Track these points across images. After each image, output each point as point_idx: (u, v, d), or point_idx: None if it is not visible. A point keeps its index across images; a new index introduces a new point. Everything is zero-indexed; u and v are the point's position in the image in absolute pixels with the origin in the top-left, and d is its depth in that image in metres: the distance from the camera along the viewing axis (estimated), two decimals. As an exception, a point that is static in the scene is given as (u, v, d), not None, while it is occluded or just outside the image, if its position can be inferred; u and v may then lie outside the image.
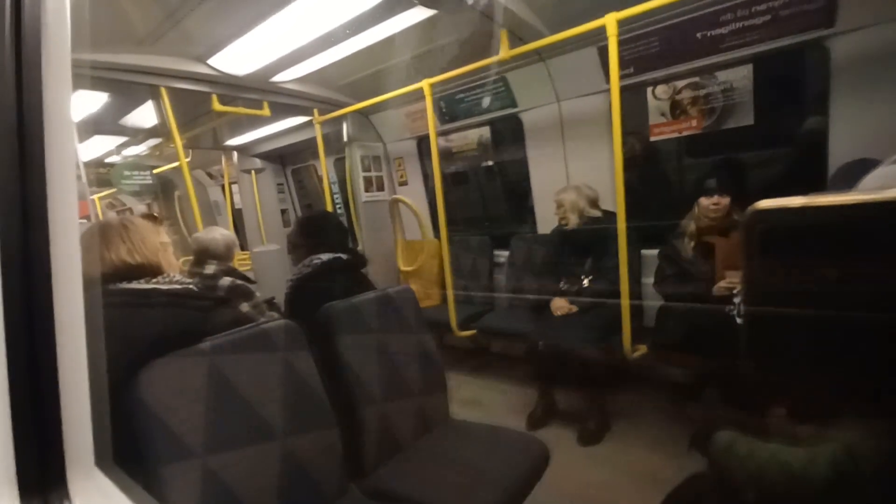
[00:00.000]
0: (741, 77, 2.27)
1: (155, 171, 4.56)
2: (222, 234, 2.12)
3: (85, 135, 3.46)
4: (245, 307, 1.92)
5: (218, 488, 1.00)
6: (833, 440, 0.66)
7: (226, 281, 1.95)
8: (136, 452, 0.94)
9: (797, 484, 0.70)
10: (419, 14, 2.12)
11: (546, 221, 3.03)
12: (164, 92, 2.53)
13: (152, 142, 3.98)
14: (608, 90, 2.11)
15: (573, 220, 2.53)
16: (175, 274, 1.21)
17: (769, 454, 0.76)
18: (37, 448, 0.54)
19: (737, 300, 1.87)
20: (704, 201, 2.12)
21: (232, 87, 2.81)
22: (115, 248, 1.12)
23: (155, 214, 4.13)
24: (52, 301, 0.55)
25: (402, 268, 3.65)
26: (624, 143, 2.05)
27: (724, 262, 2.05)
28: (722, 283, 1.99)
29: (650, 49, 2.36)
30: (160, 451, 0.95)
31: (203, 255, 2.02)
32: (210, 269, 1.99)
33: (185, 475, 0.97)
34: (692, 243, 2.17)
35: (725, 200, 2.09)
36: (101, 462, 0.60)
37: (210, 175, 5.47)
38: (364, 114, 3.66)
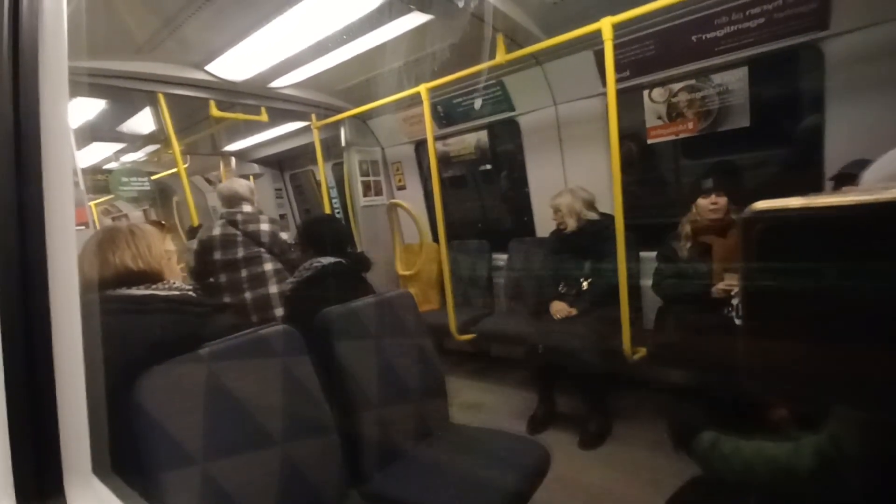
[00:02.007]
0: (737, 79, 2.29)
1: (153, 178, 4.55)
2: (241, 182, 2.47)
3: (83, 141, 3.46)
4: (285, 235, 2.43)
5: (217, 495, 1.00)
6: (817, 432, 0.67)
7: (266, 216, 2.43)
8: (133, 460, 0.93)
9: (783, 476, 0.71)
10: (416, 19, 2.13)
11: (544, 224, 3.04)
12: (162, 98, 2.53)
13: (150, 148, 3.99)
14: (605, 93, 2.12)
15: (571, 224, 2.54)
16: (175, 281, 1.21)
17: (754, 450, 0.77)
18: (34, 455, 0.54)
19: (735, 301, 1.87)
20: (702, 201, 2.13)
21: (230, 93, 2.81)
22: (120, 253, 1.13)
23: (162, 222, 4.17)
24: (49, 307, 0.55)
25: (401, 272, 3.65)
26: (621, 146, 2.06)
27: (722, 263, 2.05)
28: (720, 285, 1.99)
29: (646, 52, 2.37)
30: (158, 459, 0.95)
31: (235, 198, 2.38)
32: (248, 207, 2.38)
33: (183, 482, 0.96)
34: (689, 244, 2.17)
35: (723, 200, 2.09)
36: (98, 469, 0.59)
37: (208, 181, 5.47)
38: (362, 118, 3.67)
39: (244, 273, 2.31)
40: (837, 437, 0.64)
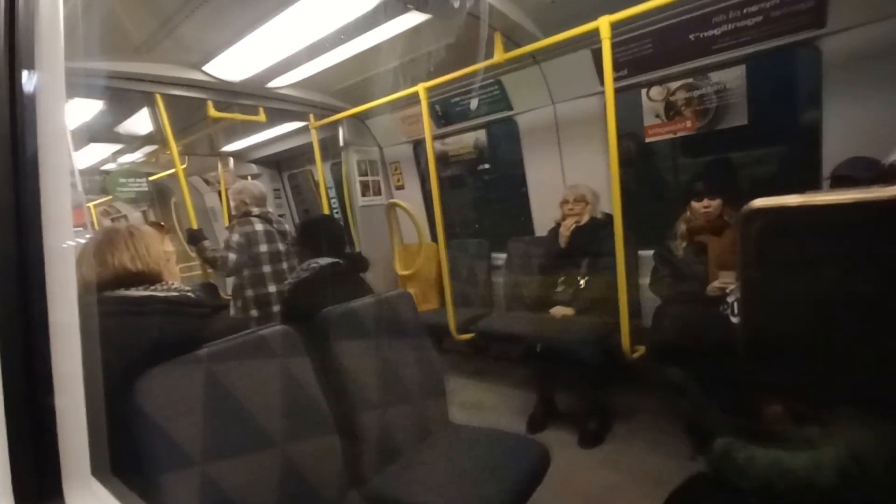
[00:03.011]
0: (734, 77, 2.29)
1: (151, 178, 4.54)
2: (260, 184, 2.78)
3: (80, 142, 3.45)
4: None
5: (216, 497, 1.00)
6: (835, 443, 0.65)
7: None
8: (133, 461, 0.93)
9: (804, 493, 0.68)
10: (414, 19, 2.13)
11: (543, 223, 3.04)
12: (159, 99, 2.53)
13: (148, 149, 3.98)
14: (603, 92, 2.12)
15: (585, 217, 2.53)
16: (174, 282, 1.21)
17: (770, 461, 0.74)
18: (32, 457, 0.54)
19: (730, 299, 1.88)
20: (695, 204, 2.13)
21: (227, 94, 2.81)
22: (118, 254, 1.13)
23: (161, 223, 4.17)
24: (47, 309, 0.55)
25: (400, 272, 3.64)
26: (619, 145, 2.06)
27: (717, 262, 2.06)
28: (715, 284, 2.00)
29: (644, 51, 2.37)
30: (158, 460, 0.94)
31: (262, 198, 2.67)
32: (270, 208, 2.71)
33: (183, 484, 0.96)
34: (685, 244, 2.18)
35: (715, 203, 2.10)
36: (97, 471, 0.59)
37: (206, 181, 5.45)
38: (360, 118, 3.67)
39: (285, 265, 2.65)
40: (860, 454, 0.61)
